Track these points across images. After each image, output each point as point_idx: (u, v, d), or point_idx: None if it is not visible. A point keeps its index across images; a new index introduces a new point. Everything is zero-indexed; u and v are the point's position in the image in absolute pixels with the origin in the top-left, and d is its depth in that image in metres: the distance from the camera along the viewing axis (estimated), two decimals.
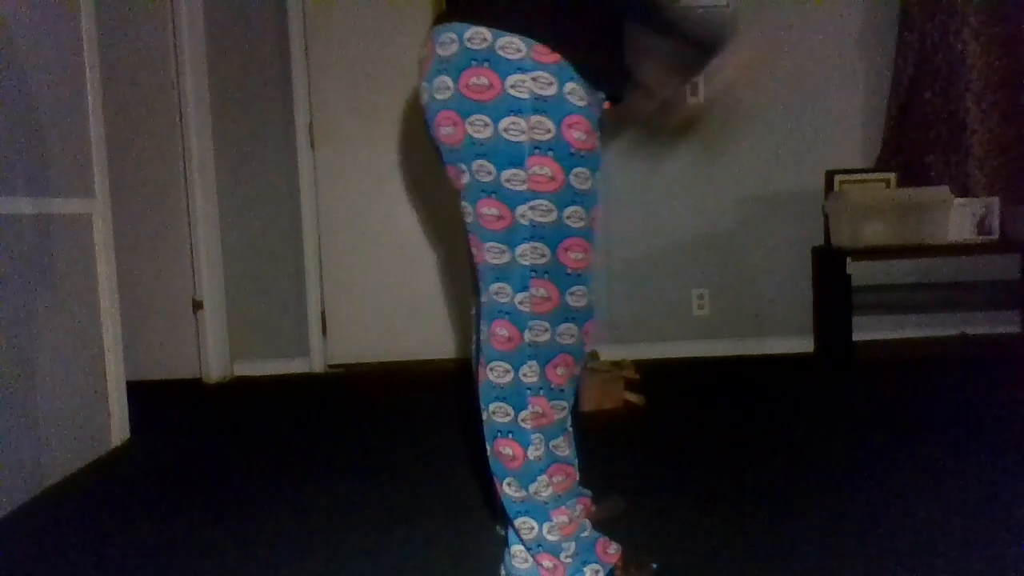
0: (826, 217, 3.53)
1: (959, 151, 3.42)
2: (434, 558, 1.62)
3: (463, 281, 3.70)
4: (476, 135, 1.27)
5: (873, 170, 3.55)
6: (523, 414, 1.32)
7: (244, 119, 3.60)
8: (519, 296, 1.30)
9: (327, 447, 2.46)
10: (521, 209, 1.28)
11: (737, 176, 3.64)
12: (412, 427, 2.65)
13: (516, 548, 1.39)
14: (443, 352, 3.72)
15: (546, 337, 1.32)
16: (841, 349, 3.32)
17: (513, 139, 1.25)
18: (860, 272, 3.49)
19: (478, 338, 1.56)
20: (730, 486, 1.95)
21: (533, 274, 1.30)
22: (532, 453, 1.33)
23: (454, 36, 1.27)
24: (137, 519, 1.92)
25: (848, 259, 3.25)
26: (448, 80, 1.27)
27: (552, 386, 1.34)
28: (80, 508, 2.03)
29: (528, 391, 1.32)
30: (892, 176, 3.50)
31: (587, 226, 1.32)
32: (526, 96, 1.23)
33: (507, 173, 1.27)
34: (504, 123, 1.25)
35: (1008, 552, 1.52)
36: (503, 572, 1.42)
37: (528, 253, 1.29)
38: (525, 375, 1.32)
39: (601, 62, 1.30)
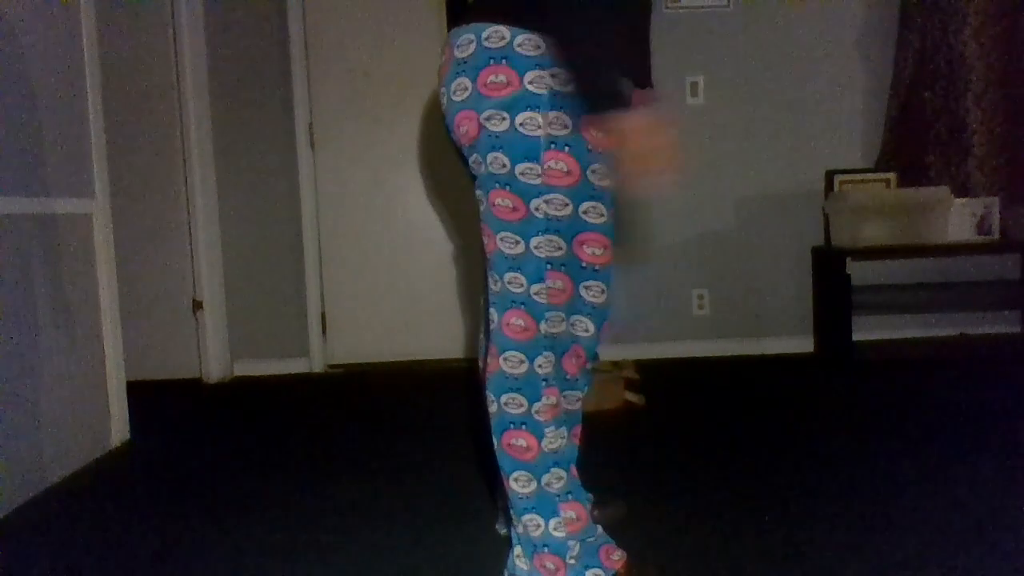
0: (826, 217, 3.53)
1: (959, 151, 3.42)
2: (434, 558, 1.62)
3: (463, 281, 3.70)
4: (493, 128, 1.27)
5: (873, 170, 3.55)
6: (537, 405, 1.32)
7: (244, 119, 3.59)
8: (535, 287, 1.31)
9: (327, 447, 2.46)
10: (535, 202, 1.28)
11: (737, 176, 3.64)
12: (412, 427, 2.65)
13: (518, 549, 1.38)
14: (443, 352, 3.72)
15: (562, 328, 1.32)
16: (841, 349, 3.32)
17: (529, 133, 1.25)
18: (860, 272, 3.49)
19: (487, 329, 1.56)
20: (730, 487, 1.95)
21: (549, 266, 1.30)
22: (547, 445, 1.33)
23: (472, 37, 1.27)
24: (137, 519, 1.92)
25: (848, 259, 3.24)
26: (467, 81, 1.28)
27: (567, 376, 1.34)
28: (80, 508, 2.02)
29: (543, 382, 1.32)
30: (892, 176, 3.50)
31: (606, 222, 1.33)
32: (544, 91, 1.24)
33: (521, 166, 1.27)
34: (521, 117, 1.25)
35: (1008, 552, 1.52)
36: (507, 572, 1.41)
37: (543, 245, 1.29)
38: (540, 366, 1.32)
39: (604, 61, 1.26)
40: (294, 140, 3.60)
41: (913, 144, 3.50)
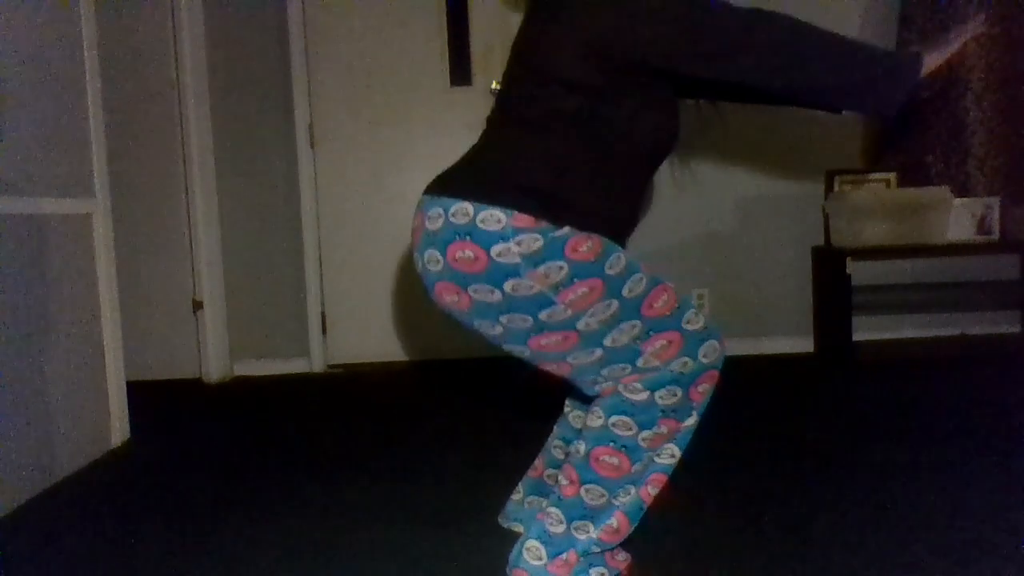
0: (826, 217, 3.53)
1: (959, 151, 3.42)
2: (435, 558, 1.62)
3: None
4: (488, 299, 1.28)
5: (873, 170, 3.55)
6: (647, 433, 1.32)
7: (244, 119, 3.59)
8: (640, 360, 1.31)
9: (327, 447, 2.46)
10: (581, 324, 1.28)
11: (737, 176, 3.64)
12: (412, 427, 2.65)
13: (532, 543, 1.35)
14: (443, 352, 3.72)
15: (692, 366, 1.32)
16: (841, 349, 3.32)
17: (529, 293, 1.26)
18: (860, 272, 3.49)
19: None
20: (729, 486, 1.95)
21: (639, 341, 1.30)
22: (637, 467, 1.33)
23: (440, 211, 1.30)
24: (137, 519, 1.92)
25: (848, 259, 3.25)
26: (437, 253, 1.30)
27: (691, 405, 1.35)
28: (80, 508, 2.02)
29: (660, 412, 1.32)
30: (892, 176, 3.50)
31: (650, 280, 1.32)
32: (516, 260, 1.25)
33: (544, 314, 1.28)
34: (508, 285, 1.26)
35: (1008, 552, 1.52)
36: (509, 566, 1.40)
37: (618, 337, 1.29)
38: (662, 397, 1.32)
39: (586, 224, 1.30)
40: (294, 140, 3.60)
41: (913, 144, 3.50)
